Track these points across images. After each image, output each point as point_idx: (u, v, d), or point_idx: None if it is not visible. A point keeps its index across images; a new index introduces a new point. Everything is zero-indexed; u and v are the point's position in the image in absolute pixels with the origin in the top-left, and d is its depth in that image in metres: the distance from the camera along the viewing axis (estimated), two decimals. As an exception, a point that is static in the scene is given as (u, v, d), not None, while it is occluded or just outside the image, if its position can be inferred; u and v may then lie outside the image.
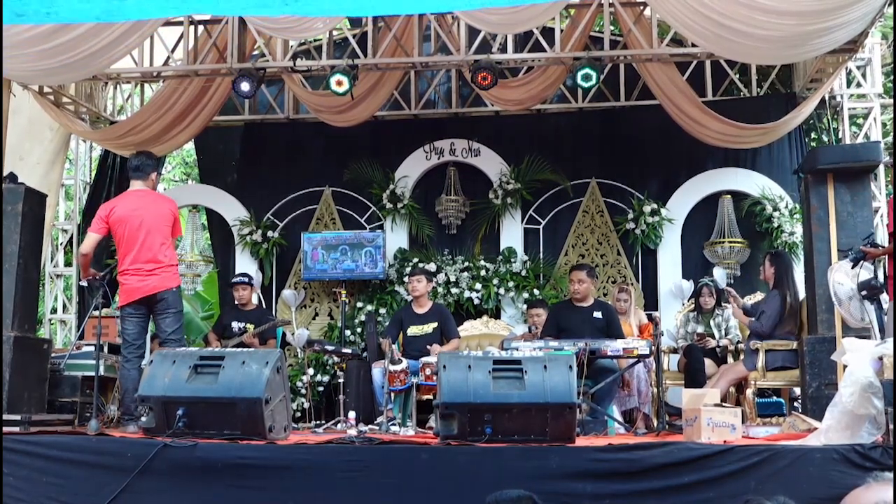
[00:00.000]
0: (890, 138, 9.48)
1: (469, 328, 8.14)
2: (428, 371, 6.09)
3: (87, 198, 9.40)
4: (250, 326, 7.44)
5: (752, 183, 8.53)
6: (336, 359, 7.34)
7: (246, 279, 7.87)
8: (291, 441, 4.82)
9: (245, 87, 7.30)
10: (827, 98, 8.28)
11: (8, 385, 5.60)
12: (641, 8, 7.38)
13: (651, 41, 7.19)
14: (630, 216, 8.57)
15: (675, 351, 7.23)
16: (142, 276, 5.59)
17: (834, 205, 5.60)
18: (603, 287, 8.46)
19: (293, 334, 8.44)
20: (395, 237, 8.85)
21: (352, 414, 6.07)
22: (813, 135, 8.98)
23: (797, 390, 6.30)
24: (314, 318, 8.93)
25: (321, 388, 8.48)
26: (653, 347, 5.95)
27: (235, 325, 7.53)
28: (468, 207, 8.86)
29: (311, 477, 4.30)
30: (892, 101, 8.56)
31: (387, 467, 4.31)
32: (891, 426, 4.20)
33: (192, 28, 7.76)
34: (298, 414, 7.96)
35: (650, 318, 7.47)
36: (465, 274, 8.59)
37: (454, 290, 8.50)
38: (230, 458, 4.37)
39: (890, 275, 5.14)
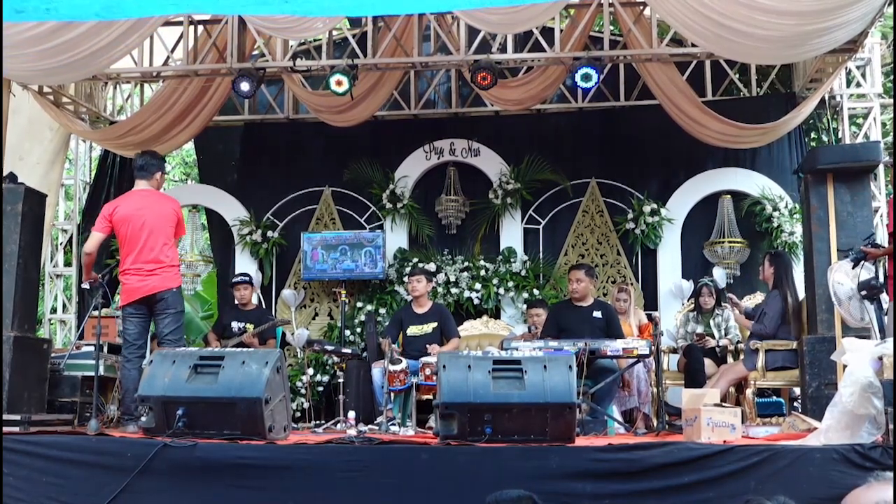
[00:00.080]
0: (890, 138, 9.48)
1: (469, 328, 8.14)
2: (428, 371, 6.10)
3: (86, 198, 9.41)
4: (250, 326, 7.45)
5: (752, 183, 8.53)
6: (336, 359, 7.34)
7: (248, 279, 7.88)
8: (291, 441, 4.82)
9: (245, 86, 7.30)
10: (827, 98, 8.28)
11: (8, 385, 5.60)
12: (641, 8, 7.38)
13: (651, 41, 7.19)
14: (630, 216, 8.57)
15: (674, 351, 7.23)
16: (142, 276, 5.59)
17: (834, 205, 5.60)
18: (603, 287, 8.46)
19: (293, 334, 8.45)
20: (395, 237, 8.85)
21: (351, 414, 6.07)
22: (813, 135, 8.98)
23: (797, 390, 6.30)
24: (314, 318, 8.93)
25: (321, 388, 8.48)
26: (652, 347, 5.95)
27: (235, 324, 7.53)
28: (468, 207, 8.85)
29: (311, 477, 4.29)
30: (891, 100, 8.56)
31: (386, 467, 4.31)
32: (891, 426, 4.20)
33: (191, 28, 7.76)
34: (298, 414, 7.96)
35: (650, 318, 7.48)
36: (465, 274, 8.59)
37: (454, 290, 8.50)
38: (230, 458, 4.37)
39: (890, 275, 5.14)
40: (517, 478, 3.98)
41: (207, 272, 9.60)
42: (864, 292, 4.96)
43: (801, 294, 6.16)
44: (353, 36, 8.03)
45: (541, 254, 8.74)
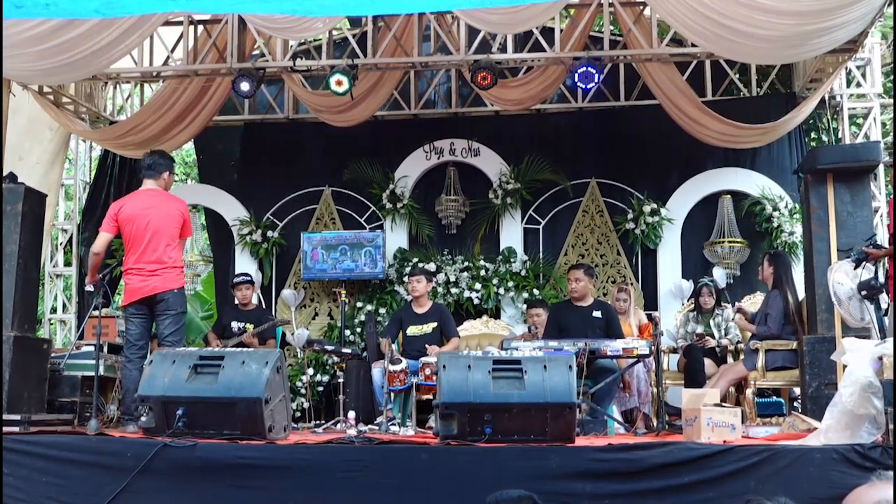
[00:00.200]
0: (890, 138, 9.48)
1: (469, 328, 8.14)
2: (427, 371, 6.10)
3: (86, 198, 9.41)
4: (250, 326, 7.44)
5: (752, 183, 8.53)
6: (336, 359, 7.34)
7: (249, 279, 7.88)
8: (291, 441, 4.82)
9: (245, 86, 7.30)
10: (827, 98, 8.28)
11: (8, 385, 5.60)
12: (641, 8, 7.38)
13: (651, 41, 7.19)
14: (630, 216, 8.57)
15: (674, 351, 7.23)
16: (144, 276, 5.58)
17: (834, 205, 5.60)
18: (603, 287, 8.46)
19: (293, 334, 8.45)
20: (395, 237, 8.85)
21: (351, 414, 6.07)
22: (813, 135, 8.99)
23: (797, 390, 6.30)
24: (314, 318, 8.93)
25: (321, 388, 8.48)
26: (652, 347, 5.95)
27: (235, 324, 7.53)
28: (468, 207, 8.85)
29: (311, 477, 4.29)
30: (891, 100, 8.56)
31: (386, 467, 4.31)
32: (890, 426, 4.20)
33: (191, 28, 7.76)
34: (298, 414, 7.95)
35: (650, 317, 7.48)
36: (465, 274, 8.59)
37: (454, 290, 8.50)
38: (230, 458, 4.37)
39: (891, 275, 5.14)
40: (517, 478, 3.98)
41: (207, 272, 9.59)
42: (864, 292, 4.96)
43: (801, 294, 6.17)
44: (353, 36, 8.03)
45: (541, 254, 8.74)
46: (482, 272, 8.56)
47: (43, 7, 3.25)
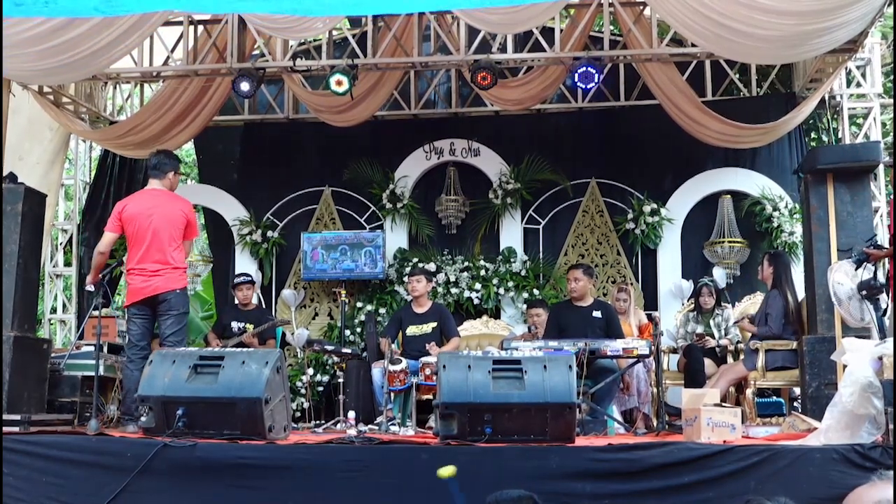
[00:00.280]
0: (890, 138, 9.47)
1: (469, 328, 8.14)
2: (427, 371, 6.10)
3: (86, 198, 9.41)
4: (250, 326, 7.44)
5: (752, 183, 8.53)
6: (336, 359, 7.34)
7: (250, 279, 7.88)
8: (291, 441, 4.82)
9: (245, 86, 7.30)
10: (827, 98, 8.28)
11: (8, 385, 5.60)
12: (641, 8, 7.38)
13: (651, 41, 7.19)
14: (630, 216, 8.57)
15: (674, 351, 7.23)
16: (146, 276, 5.57)
17: (834, 205, 5.60)
18: (603, 287, 8.46)
19: (293, 334, 8.44)
20: (395, 237, 8.85)
21: (351, 414, 6.07)
22: (813, 135, 8.98)
23: (797, 390, 6.30)
24: (314, 318, 8.93)
25: (321, 388, 8.48)
26: (652, 347, 5.95)
27: (235, 324, 7.53)
28: (468, 207, 8.85)
29: (311, 477, 4.29)
30: (891, 100, 8.56)
31: (386, 467, 4.31)
32: (890, 426, 4.19)
33: (191, 28, 7.76)
34: (298, 414, 7.95)
35: (650, 317, 7.48)
36: (465, 274, 8.59)
37: (454, 290, 8.50)
38: (230, 458, 4.37)
39: (891, 276, 5.14)
40: (517, 478, 3.98)
41: (207, 272, 9.59)
42: (864, 292, 4.96)
43: (801, 294, 6.17)
44: (353, 36, 8.03)
45: (541, 254, 8.74)
46: (482, 272, 8.56)
47: (42, 5, 3.25)
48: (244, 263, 8.93)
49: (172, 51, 8.11)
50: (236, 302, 7.82)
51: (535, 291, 8.37)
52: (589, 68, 6.96)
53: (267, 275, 8.99)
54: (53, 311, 9.35)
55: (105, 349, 6.69)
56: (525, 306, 8.09)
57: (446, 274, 8.54)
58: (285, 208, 9.11)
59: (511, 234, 8.77)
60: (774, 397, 6.89)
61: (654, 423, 6.11)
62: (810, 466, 4.11)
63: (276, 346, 7.54)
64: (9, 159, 7.33)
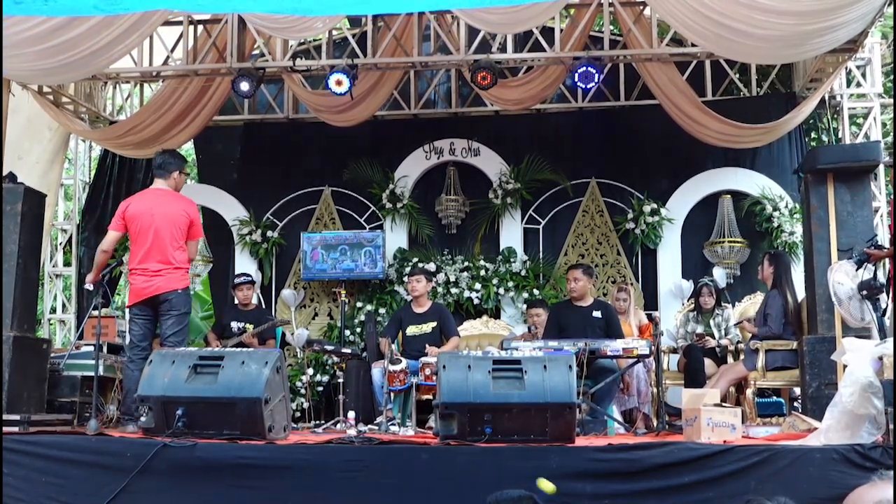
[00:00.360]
0: (890, 138, 9.47)
1: (469, 328, 8.14)
2: (427, 371, 6.08)
3: (86, 198, 9.40)
4: (249, 326, 7.43)
5: (752, 183, 8.53)
6: (335, 359, 7.34)
7: (251, 279, 7.87)
8: (291, 441, 4.81)
9: (244, 86, 7.30)
10: (827, 98, 8.28)
11: (7, 385, 5.59)
12: (641, 8, 7.38)
13: (651, 41, 7.19)
14: (630, 216, 8.56)
15: (674, 351, 7.23)
16: (148, 276, 5.56)
17: (834, 204, 5.59)
18: (603, 287, 8.45)
19: (293, 334, 8.44)
20: (395, 237, 8.85)
21: (351, 414, 6.06)
22: (813, 134, 8.98)
23: (797, 390, 6.29)
24: (314, 318, 8.92)
25: (321, 388, 8.47)
26: (652, 347, 5.94)
27: (235, 325, 7.52)
28: (468, 207, 8.85)
29: (311, 477, 4.29)
30: (892, 100, 8.56)
31: (386, 467, 4.31)
32: (891, 426, 4.19)
33: (191, 28, 7.76)
34: (298, 414, 7.95)
35: (650, 318, 7.47)
36: (465, 274, 8.59)
37: (454, 290, 8.49)
38: (230, 458, 4.37)
39: (892, 276, 5.13)
40: (517, 478, 3.96)
41: (207, 272, 9.58)
42: (864, 292, 4.95)
43: (801, 294, 6.16)
44: (353, 36, 8.03)
45: (541, 254, 8.74)
46: (482, 272, 8.56)
47: (42, 3, 3.24)
48: (244, 263, 8.92)
49: (172, 50, 8.10)
50: (236, 302, 7.82)
51: (535, 291, 8.36)
52: (589, 68, 6.96)
53: (267, 275, 8.99)
54: (53, 311, 9.34)
55: (105, 349, 6.69)
56: (525, 306, 8.09)
57: (446, 274, 8.54)
58: (285, 208, 9.11)
59: (511, 234, 8.76)
60: (774, 397, 6.88)
61: (655, 424, 6.10)
62: (810, 466, 4.11)
63: (276, 346, 7.53)
64: (8, 159, 7.32)
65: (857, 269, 5.05)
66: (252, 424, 4.58)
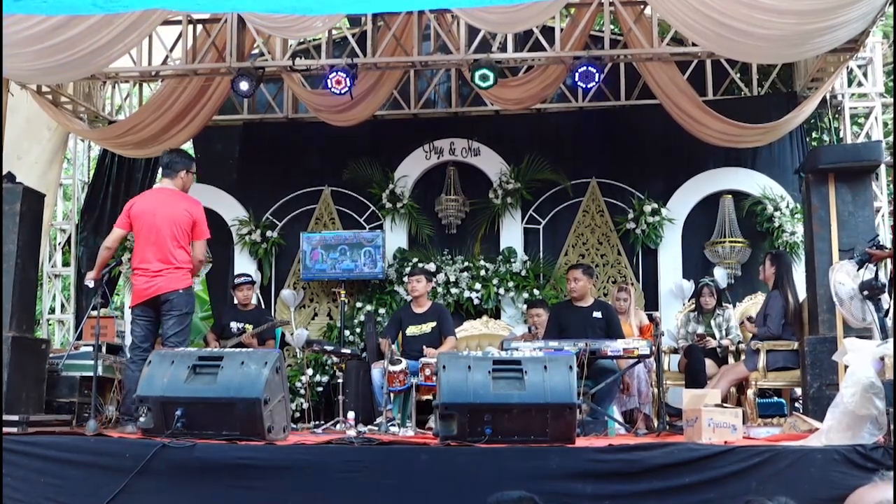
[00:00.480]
0: (891, 138, 9.46)
1: (469, 328, 8.13)
2: (427, 371, 6.07)
3: (85, 197, 9.38)
4: (249, 327, 7.42)
5: (753, 182, 8.51)
6: (335, 359, 7.32)
7: (251, 279, 7.86)
8: (290, 441, 4.80)
9: (244, 86, 7.29)
10: (828, 97, 8.26)
11: (6, 385, 5.57)
12: (642, 7, 7.37)
13: (651, 40, 7.18)
14: (630, 216, 8.55)
15: (675, 351, 7.21)
16: (148, 276, 5.55)
17: (835, 204, 5.57)
18: (603, 287, 8.44)
19: (292, 334, 8.42)
20: (395, 237, 8.83)
21: (351, 414, 6.05)
22: (814, 134, 8.97)
23: (798, 391, 6.28)
24: (313, 319, 8.91)
25: (320, 389, 8.46)
26: (653, 348, 5.93)
27: (234, 325, 7.51)
28: (468, 207, 8.84)
29: (311, 477, 4.28)
30: (892, 100, 8.55)
31: (386, 468, 4.29)
32: (892, 427, 4.18)
33: (190, 27, 7.74)
34: (297, 414, 7.93)
35: (650, 318, 7.45)
36: (465, 274, 8.57)
37: (454, 290, 8.48)
38: (229, 459, 4.35)
39: (893, 276, 5.12)
40: (517, 478, 3.96)
41: (206, 272, 9.57)
42: (865, 292, 4.94)
43: (802, 294, 6.15)
44: (353, 35, 8.01)
45: (541, 254, 8.72)
46: (482, 272, 8.54)
47: (41, 1, 3.23)
48: (243, 263, 8.91)
49: (171, 50, 8.09)
50: (235, 302, 7.80)
51: (536, 291, 8.35)
52: (589, 68, 6.95)
53: (266, 275, 8.98)
54: (52, 311, 9.32)
55: (103, 349, 6.67)
56: (525, 306, 8.07)
57: (446, 274, 8.52)
58: (284, 208, 9.10)
59: (511, 233, 8.75)
60: (776, 398, 6.86)
61: (655, 424, 6.09)
62: (812, 467, 4.10)
63: (276, 347, 7.51)
64: (7, 159, 7.31)
65: (858, 270, 5.03)
66: (251, 425, 4.56)
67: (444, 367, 4.65)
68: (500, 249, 8.71)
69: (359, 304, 8.65)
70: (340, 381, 6.65)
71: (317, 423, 7.07)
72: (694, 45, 7.05)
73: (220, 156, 9.42)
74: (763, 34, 5.85)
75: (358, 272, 8.56)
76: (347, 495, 4.23)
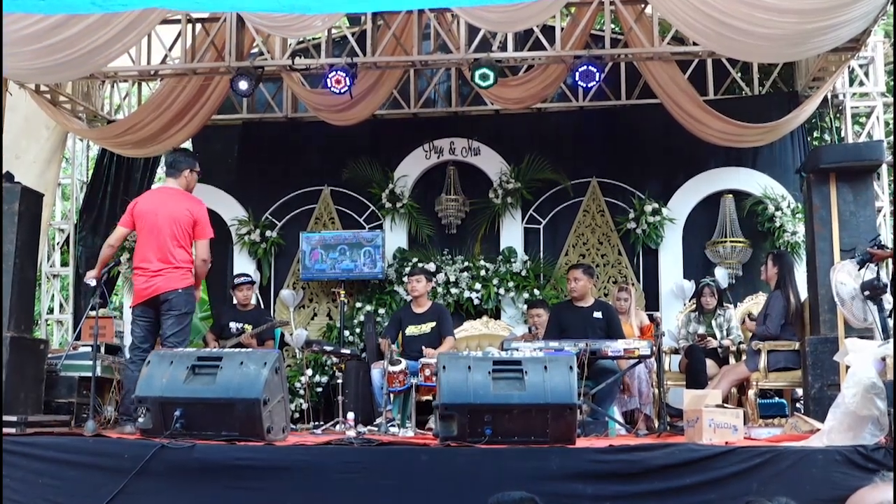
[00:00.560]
0: (893, 137, 9.44)
1: (469, 328, 8.11)
2: (427, 372, 6.06)
3: (83, 197, 9.36)
4: (248, 327, 7.40)
5: (754, 182, 8.50)
6: (335, 359, 7.30)
7: (251, 279, 7.84)
8: (290, 442, 4.78)
9: (243, 85, 7.27)
10: (829, 97, 8.25)
11: (4, 386, 5.55)
12: (642, 6, 7.34)
13: (652, 39, 7.16)
14: (631, 216, 8.53)
15: (676, 351, 7.20)
16: (148, 276, 5.55)
17: (836, 204, 5.55)
18: (604, 287, 8.42)
19: (291, 335, 8.40)
20: (395, 237, 8.82)
21: (350, 415, 6.03)
22: (815, 134, 8.95)
23: (799, 391, 6.27)
24: (313, 319, 8.89)
25: (320, 389, 8.44)
26: (654, 348, 5.91)
27: (233, 325, 7.49)
28: (468, 207, 8.82)
29: (310, 478, 4.26)
30: (892, 99, 8.54)
31: (386, 469, 4.28)
32: (893, 427, 4.16)
33: (189, 26, 7.73)
34: (297, 415, 7.92)
35: (651, 318, 7.44)
36: (465, 274, 8.56)
37: (454, 290, 8.46)
38: (228, 460, 4.34)
39: (895, 276, 5.10)
40: (517, 479, 3.95)
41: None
42: (866, 293, 4.92)
43: (804, 294, 6.13)
44: (353, 34, 7.99)
45: (541, 254, 8.71)
46: (482, 272, 8.53)
47: (40, -1, 3.22)
48: (242, 263, 8.90)
49: (170, 49, 8.06)
50: (235, 302, 7.78)
51: (536, 292, 8.33)
52: (590, 67, 6.93)
53: (265, 275, 8.96)
54: (50, 311, 9.31)
55: (102, 350, 6.66)
56: (525, 307, 8.06)
57: (446, 274, 8.50)
58: (284, 208, 9.08)
59: (511, 233, 8.73)
60: (777, 398, 6.83)
61: (656, 425, 6.07)
62: (813, 468, 4.09)
63: (275, 347, 7.50)
64: (5, 158, 7.29)
65: (859, 270, 5.02)
66: (251, 425, 4.55)
67: (444, 367, 4.63)
68: (501, 249, 8.69)
69: (358, 305, 8.64)
70: (340, 381, 6.64)
71: (316, 423, 7.05)
72: (695, 44, 7.03)
73: (220, 155, 9.38)
74: (764, 33, 5.83)
75: (357, 272, 8.54)
76: (347, 496, 4.22)
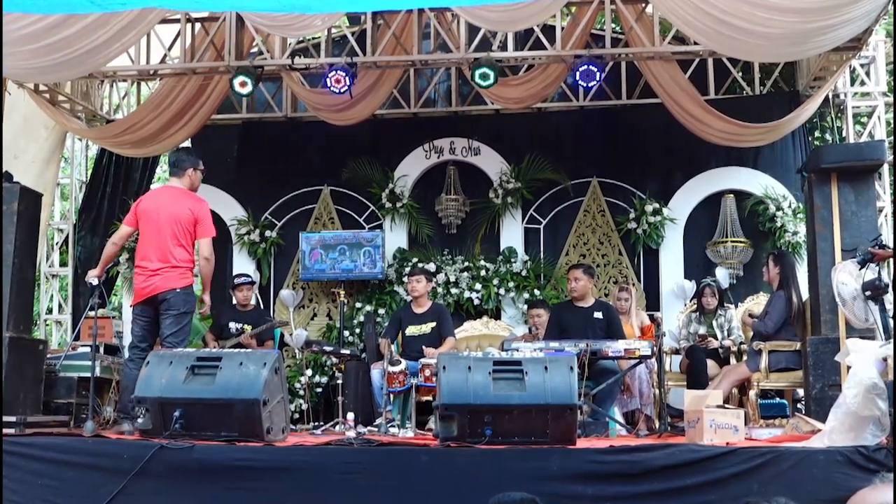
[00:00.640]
0: (894, 137, 9.43)
1: (469, 329, 8.10)
2: (427, 372, 6.05)
3: (82, 197, 9.35)
4: (248, 327, 7.39)
5: (755, 182, 8.49)
6: (334, 360, 7.29)
7: (250, 279, 7.83)
8: (289, 443, 4.77)
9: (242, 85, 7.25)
10: (831, 96, 8.24)
11: (3, 386, 5.54)
12: (643, 5, 7.33)
13: (653, 39, 7.15)
14: (632, 216, 8.52)
15: (677, 352, 7.18)
16: (147, 275, 5.54)
17: (838, 204, 5.54)
18: (604, 287, 8.41)
19: (291, 335, 8.39)
20: (395, 237, 8.80)
21: (350, 415, 6.02)
22: (816, 133, 8.94)
23: (800, 392, 6.26)
24: (312, 319, 8.88)
25: (319, 390, 8.43)
26: (654, 348, 5.90)
27: (233, 325, 7.47)
28: (468, 207, 8.81)
29: (310, 479, 4.25)
30: (892, 99, 8.53)
31: (386, 469, 4.27)
32: (895, 428, 4.15)
33: (189, 26, 7.72)
34: (297, 415, 7.91)
35: (652, 318, 7.42)
36: (465, 274, 8.54)
37: (454, 291, 8.45)
38: (227, 460, 4.32)
39: (896, 276, 5.10)
40: (517, 480, 3.94)
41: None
42: (868, 293, 4.91)
43: (805, 294, 6.12)
44: (353, 34, 7.98)
45: (541, 254, 8.70)
46: (482, 272, 8.52)
47: (39, -2, 3.20)
48: (242, 263, 8.89)
49: (170, 49, 8.05)
50: (234, 302, 7.77)
51: (536, 292, 8.32)
52: (590, 66, 6.92)
53: (265, 275, 8.95)
54: (49, 311, 9.30)
55: (101, 350, 6.64)
56: (526, 307, 8.05)
57: (446, 274, 8.49)
58: (283, 208, 9.07)
59: (511, 233, 8.72)
60: (778, 399, 6.83)
61: (656, 425, 6.07)
62: (814, 468, 4.07)
63: (274, 347, 7.49)
64: (4, 158, 7.28)
65: (860, 270, 5.00)
66: (250, 426, 4.53)
67: (444, 367, 4.62)
68: (501, 249, 8.68)
69: (358, 305, 8.63)
70: (340, 381, 6.62)
71: (316, 424, 7.04)
72: (695, 43, 7.02)
73: (219, 155, 9.35)
74: (765, 32, 5.82)
75: (357, 272, 8.53)
76: (347, 497, 4.21)
